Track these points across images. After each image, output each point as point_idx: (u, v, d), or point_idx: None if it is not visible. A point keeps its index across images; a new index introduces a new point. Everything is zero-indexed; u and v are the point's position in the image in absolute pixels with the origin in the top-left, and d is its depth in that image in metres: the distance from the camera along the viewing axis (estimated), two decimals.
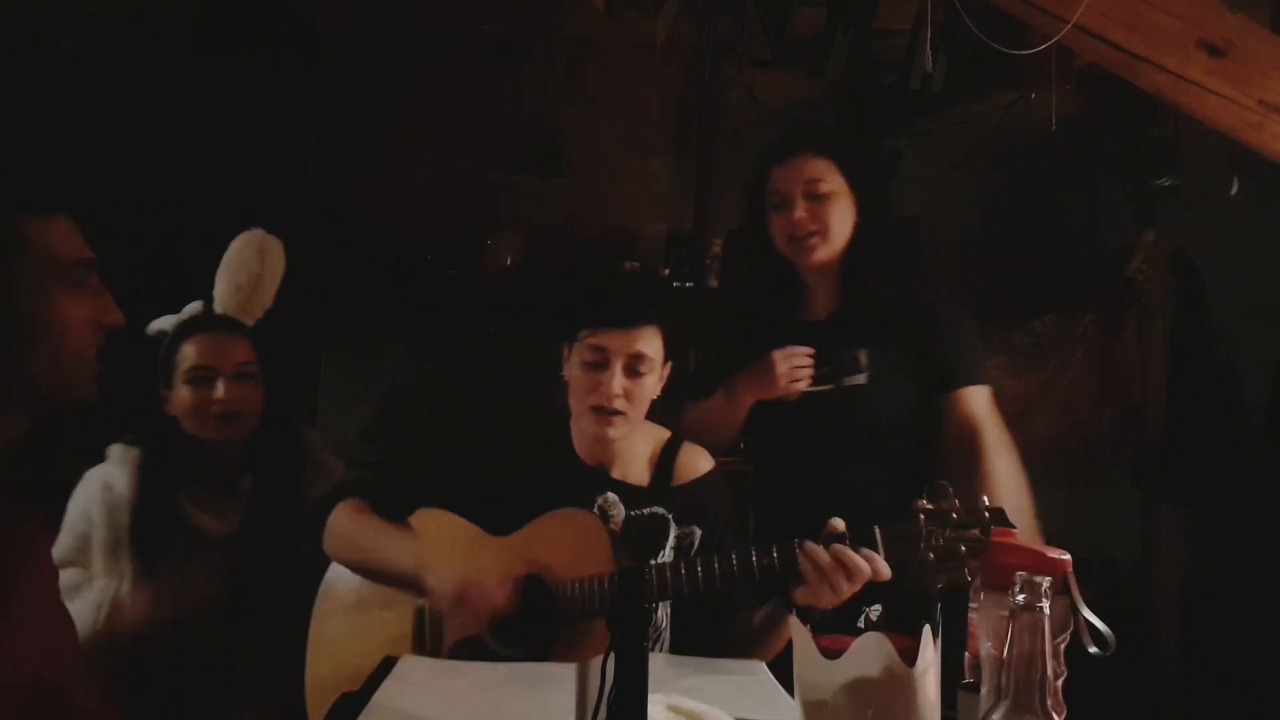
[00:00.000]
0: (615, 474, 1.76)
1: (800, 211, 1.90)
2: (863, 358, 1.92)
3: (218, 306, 2.02)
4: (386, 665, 1.49)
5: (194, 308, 2.01)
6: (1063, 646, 1.10)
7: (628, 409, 1.68)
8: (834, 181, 1.92)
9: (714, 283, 3.91)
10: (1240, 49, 2.36)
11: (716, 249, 3.95)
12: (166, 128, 3.34)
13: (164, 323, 1.99)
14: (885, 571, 1.43)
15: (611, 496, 1.73)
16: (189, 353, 1.91)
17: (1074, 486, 3.45)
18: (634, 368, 1.67)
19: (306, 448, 2.04)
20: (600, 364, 1.67)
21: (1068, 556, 1.18)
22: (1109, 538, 3.52)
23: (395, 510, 1.70)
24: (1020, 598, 0.89)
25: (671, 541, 1.73)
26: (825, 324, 1.98)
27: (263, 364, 1.96)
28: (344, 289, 3.47)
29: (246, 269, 2.02)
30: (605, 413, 1.67)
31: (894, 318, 1.93)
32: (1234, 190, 3.26)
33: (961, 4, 2.49)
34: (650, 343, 1.68)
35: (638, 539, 1.71)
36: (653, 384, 1.71)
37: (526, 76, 3.76)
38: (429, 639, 1.64)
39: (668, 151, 3.90)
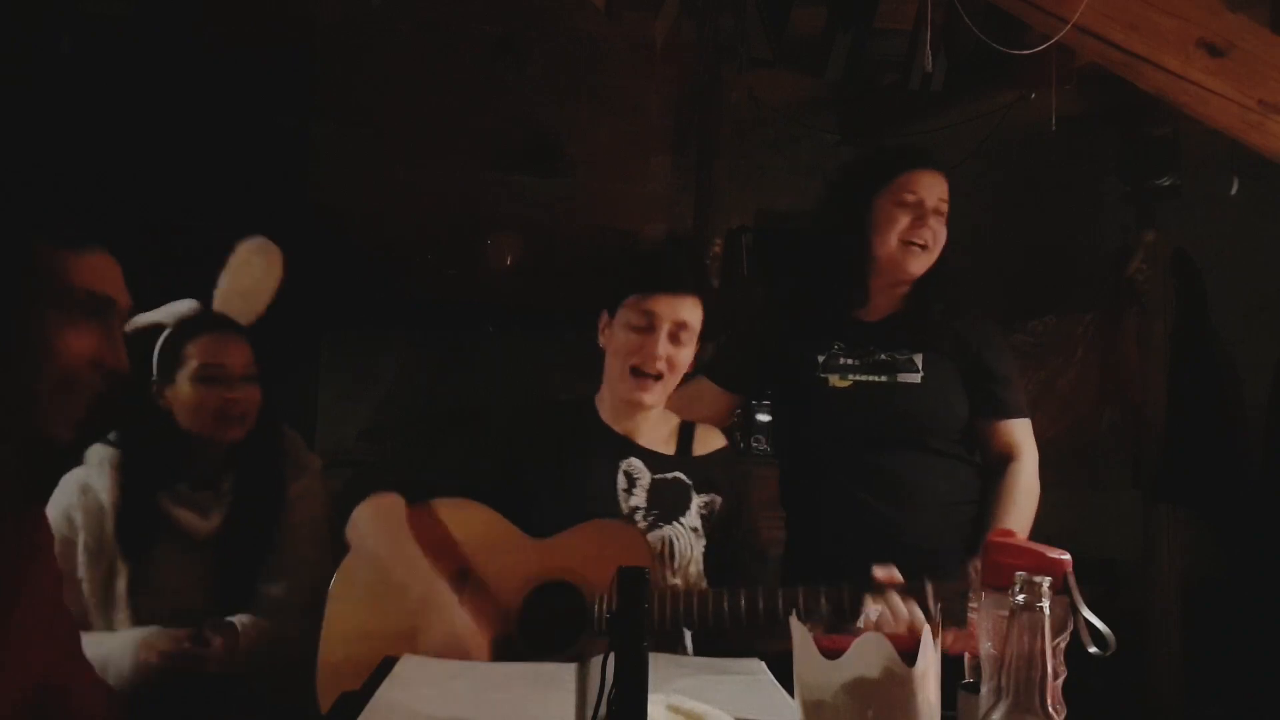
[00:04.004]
0: (640, 442, 1.81)
1: (930, 224, 1.98)
2: (918, 360, 1.97)
3: (217, 306, 2.01)
4: (386, 665, 1.49)
5: (189, 306, 1.98)
6: (1063, 646, 1.10)
7: (666, 374, 1.74)
8: (947, 205, 2.02)
9: (714, 283, 3.92)
10: (1240, 49, 2.36)
11: (717, 249, 3.96)
12: (166, 127, 3.34)
13: (156, 316, 1.95)
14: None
15: (636, 462, 1.79)
16: (196, 350, 1.89)
17: (1074, 486, 3.46)
18: (677, 335, 1.74)
19: (288, 446, 2.03)
20: (647, 328, 1.73)
21: (1068, 556, 1.18)
22: (1109, 538, 3.52)
23: (425, 496, 1.71)
24: (1020, 598, 0.89)
25: (695, 508, 1.78)
26: (882, 324, 2.02)
27: (259, 367, 1.96)
28: (343, 289, 3.47)
29: (250, 274, 2.02)
30: (644, 375, 1.73)
31: (949, 336, 1.99)
32: (1234, 190, 3.26)
33: (961, 4, 2.50)
34: (694, 313, 1.75)
35: (664, 502, 1.77)
36: (688, 356, 1.78)
37: (526, 76, 3.76)
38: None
39: (668, 151, 3.90)
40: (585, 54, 3.77)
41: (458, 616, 1.58)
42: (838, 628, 1.56)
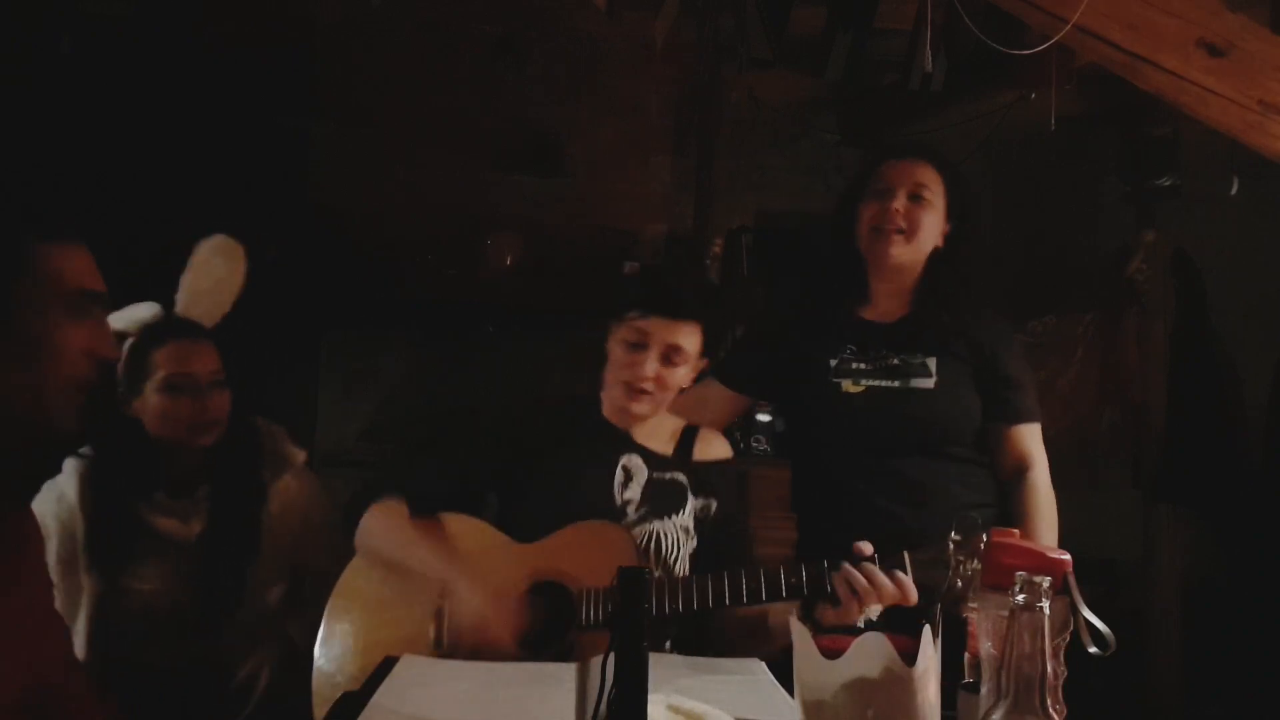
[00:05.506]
0: (640, 440, 1.84)
1: (899, 203, 1.94)
2: (931, 364, 1.95)
3: (180, 310, 1.96)
4: (386, 665, 1.49)
5: (150, 310, 1.92)
6: (1063, 646, 1.10)
7: (655, 392, 1.77)
8: (937, 194, 1.97)
9: (719, 292, 3.91)
10: (1240, 49, 2.35)
11: (717, 249, 3.96)
12: (166, 128, 3.35)
13: (116, 323, 1.83)
14: (913, 596, 1.52)
15: (635, 458, 1.82)
16: (162, 359, 1.85)
17: (1074, 486, 3.45)
18: (669, 357, 1.77)
19: (265, 441, 2.01)
20: (640, 345, 1.76)
21: (1068, 556, 1.18)
22: (1109, 538, 3.52)
23: (427, 508, 1.74)
24: (1020, 598, 0.89)
25: (690, 509, 1.81)
26: (893, 327, 2.00)
27: (225, 370, 1.92)
28: (343, 289, 3.47)
29: (210, 274, 1.98)
30: (635, 390, 1.77)
31: (960, 338, 1.97)
32: (1234, 190, 3.26)
33: (961, 4, 2.49)
34: (689, 338, 1.77)
35: (658, 499, 1.80)
36: (683, 375, 1.81)
37: (526, 76, 3.76)
38: (447, 640, 1.65)
39: (668, 151, 3.89)
40: (585, 54, 3.77)
41: (480, 590, 1.63)
42: (815, 605, 1.58)
